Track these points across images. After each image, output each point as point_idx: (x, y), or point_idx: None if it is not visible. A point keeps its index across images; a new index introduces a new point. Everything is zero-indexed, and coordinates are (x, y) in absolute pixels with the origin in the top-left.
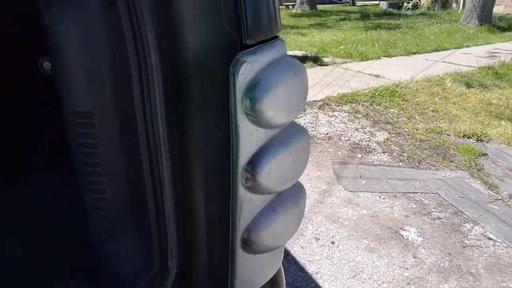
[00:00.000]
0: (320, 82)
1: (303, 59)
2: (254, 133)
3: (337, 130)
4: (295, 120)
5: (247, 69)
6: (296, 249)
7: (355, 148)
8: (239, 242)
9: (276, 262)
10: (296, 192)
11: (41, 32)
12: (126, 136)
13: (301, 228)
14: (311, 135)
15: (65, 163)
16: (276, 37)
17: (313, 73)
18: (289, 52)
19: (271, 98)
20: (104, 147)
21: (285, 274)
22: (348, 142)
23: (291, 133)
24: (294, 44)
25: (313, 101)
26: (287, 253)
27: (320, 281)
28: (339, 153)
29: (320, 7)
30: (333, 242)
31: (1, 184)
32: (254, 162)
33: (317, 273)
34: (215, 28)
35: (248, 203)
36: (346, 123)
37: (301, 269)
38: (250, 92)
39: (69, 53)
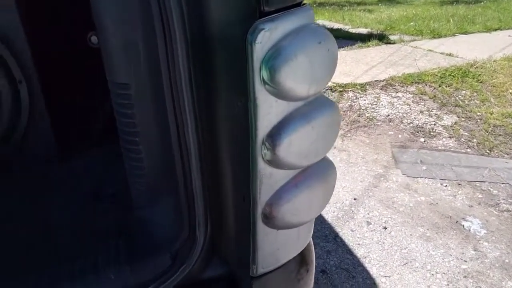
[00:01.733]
0: (385, 61)
1: (368, 36)
2: (273, 105)
3: (399, 112)
4: (322, 93)
5: (265, 37)
6: (345, 231)
7: (417, 132)
8: (260, 215)
9: (302, 240)
10: (322, 169)
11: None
12: (158, 107)
13: (352, 211)
14: (371, 117)
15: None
16: (300, 4)
17: (378, 51)
18: (353, 30)
19: (290, 68)
20: (141, 117)
21: (332, 255)
22: (411, 125)
23: (316, 106)
24: (359, 21)
25: (375, 81)
26: (335, 235)
27: (368, 265)
28: (400, 136)
29: None
30: (385, 228)
31: (67, 154)
32: (274, 135)
33: (365, 257)
34: None
35: (269, 177)
36: (410, 105)
37: (349, 252)
38: (268, 61)
39: (110, 28)
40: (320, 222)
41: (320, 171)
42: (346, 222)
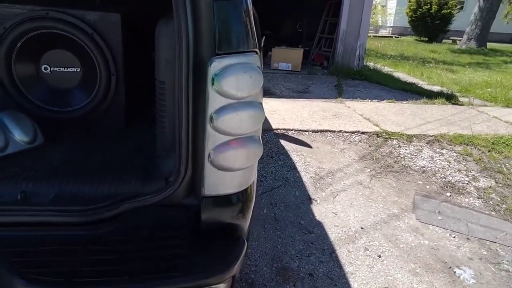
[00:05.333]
0: (443, 119)
1: (437, 94)
2: (217, 98)
3: (436, 167)
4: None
5: (215, 65)
6: (342, 250)
7: (446, 187)
8: (207, 157)
9: (237, 184)
10: (249, 143)
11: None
12: (175, 98)
13: (355, 237)
14: (406, 165)
15: None
16: (249, 51)
17: (440, 110)
18: (427, 86)
19: (225, 82)
20: (168, 102)
21: (323, 265)
22: (443, 180)
23: (243, 105)
24: (437, 79)
25: (424, 135)
26: (332, 251)
27: (351, 280)
28: (427, 187)
29: (492, 45)
30: (379, 256)
31: (131, 124)
32: (215, 113)
33: (352, 274)
34: (210, 45)
35: (213, 136)
36: (450, 162)
37: (339, 266)
38: (215, 76)
39: (160, 51)
40: (323, 238)
41: (247, 144)
42: (346, 243)
